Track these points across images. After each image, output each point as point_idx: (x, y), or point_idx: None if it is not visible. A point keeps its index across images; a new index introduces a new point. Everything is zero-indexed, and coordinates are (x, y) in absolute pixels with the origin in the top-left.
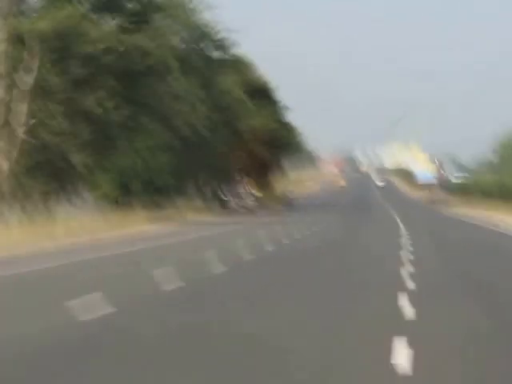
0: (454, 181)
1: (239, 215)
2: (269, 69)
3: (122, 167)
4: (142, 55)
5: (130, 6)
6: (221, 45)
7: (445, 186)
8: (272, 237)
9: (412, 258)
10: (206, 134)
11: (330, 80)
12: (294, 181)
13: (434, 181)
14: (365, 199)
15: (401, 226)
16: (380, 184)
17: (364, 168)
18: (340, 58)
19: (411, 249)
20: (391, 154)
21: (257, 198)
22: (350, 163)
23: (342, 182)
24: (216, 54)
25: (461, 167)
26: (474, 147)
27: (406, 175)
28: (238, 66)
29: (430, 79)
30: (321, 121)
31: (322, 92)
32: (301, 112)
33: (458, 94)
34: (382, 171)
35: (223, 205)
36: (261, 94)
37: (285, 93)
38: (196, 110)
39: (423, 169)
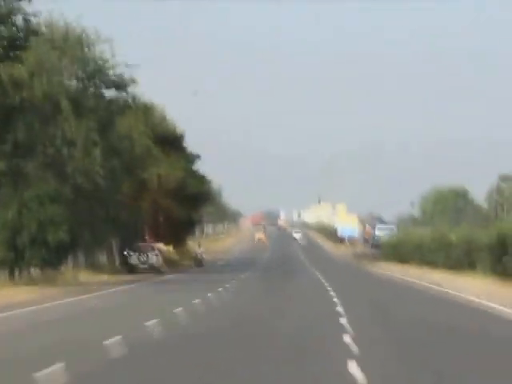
0: (377, 233)
1: (141, 275)
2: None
3: (4, 220)
4: (17, 87)
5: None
6: (119, 82)
7: (371, 242)
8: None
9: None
10: (102, 181)
11: (254, 140)
12: (212, 237)
13: (357, 235)
14: (285, 257)
15: (329, 290)
16: (297, 236)
17: (284, 224)
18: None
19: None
20: (316, 214)
21: (166, 256)
22: (271, 220)
23: (262, 237)
24: (113, 94)
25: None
26: (396, 207)
27: (328, 231)
28: (140, 107)
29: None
30: (248, 182)
31: (248, 150)
32: (225, 171)
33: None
34: (302, 226)
35: (126, 263)
36: (166, 140)
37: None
38: (90, 155)
39: (347, 225)
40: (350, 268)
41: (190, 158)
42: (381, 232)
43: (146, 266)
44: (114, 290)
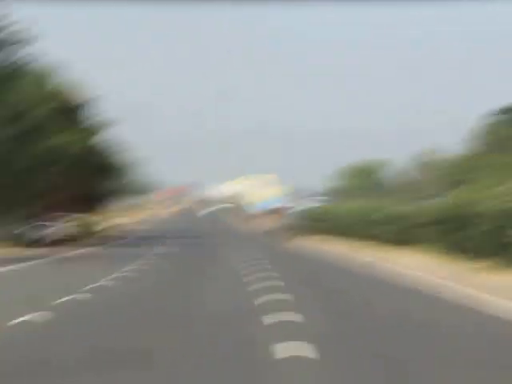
0: (304, 208)
1: (29, 250)
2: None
3: None
4: None
5: None
6: (16, 40)
7: (295, 215)
8: None
9: None
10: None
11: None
12: (124, 211)
13: (279, 206)
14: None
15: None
16: (202, 213)
17: (190, 201)
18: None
19: None
20: (239, 187)
21: (66, 230)
22: (193, 192)
23: (163, 213)
24: (8, 55)
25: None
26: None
27: (239, 205)
28: (41, 72)
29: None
30: (173, 155)
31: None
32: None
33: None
34: (209, 203)
35: (25, 237)
36: (71, 108)
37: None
38: None
39: (265, 198)
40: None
41: (102, 126)
42: (303, 206)
43: (47, 240)
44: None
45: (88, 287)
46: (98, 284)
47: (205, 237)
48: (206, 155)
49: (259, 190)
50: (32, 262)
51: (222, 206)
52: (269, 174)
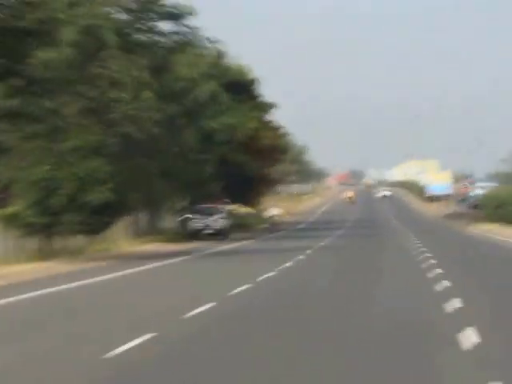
0: (477, 191)
1: (201, 241)
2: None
3: (36, 177)
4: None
5: None
6: (176, 13)
7: (468, 201)
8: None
9: None
10: (155, 130)
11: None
12: (296, 198)
13: (450, 192)
14: (374, 220)
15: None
16: (385, 194)
17: (370, 182)
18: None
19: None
20: (404, 172)
21: (235, 218)
22: (357, 180)
23: (350, 194)
24: (169, 28)
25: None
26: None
27: (417, 189)
28: (203, 45)
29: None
30: (335, 141)
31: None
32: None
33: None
34: (389, 185)
35: (185, 227)
36: (237, 85)
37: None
38: (141, 100)
39: (438, 182)
40: (446, 230)
41: (265, 107)
42: (479, 190)
43: (210, 230)
44: (153, 265)
45: (243, 287)
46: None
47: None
48: (366, 142)
49: (429, 175)
50: (187, 257)
51: (390, 190)
52: (431, 160)
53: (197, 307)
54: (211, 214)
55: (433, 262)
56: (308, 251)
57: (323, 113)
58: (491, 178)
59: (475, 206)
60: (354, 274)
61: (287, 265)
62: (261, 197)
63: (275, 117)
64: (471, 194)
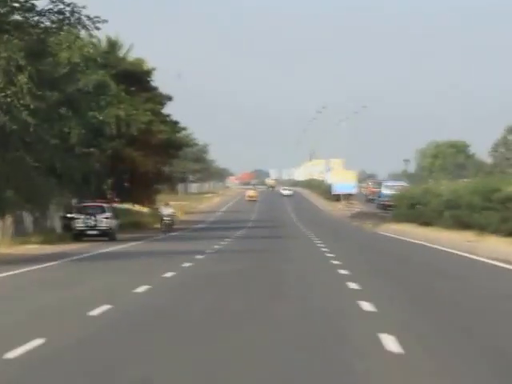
0: (384, 191)
1: (85, 243)
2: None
3: None
4: None
5: None
6: None
7: (377, 201)
8: None
9: None
10: (32, 120)
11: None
12: (197, 197)
13: (354, 191)
14: (275, 219)
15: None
16: (286, 193)
17: (272, 182)
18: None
19: None
20: (308, 171)
21: (126, 218)
22: (260, 180)
23: (252, 193)
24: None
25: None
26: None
27: (322, 188)
28: (89, 28)
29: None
30: (242, 143)
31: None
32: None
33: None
34: (293, 185)
35: (69, 228)
36: (129, 75)
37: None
38: (14, 84)
39: (343, 182)
40: (354, 232)
41: (161, 100)
42: (388, 190)
43: (94, 231)
44: (13, 272)
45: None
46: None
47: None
48: (267, 143)
49: (334, 174)
50: (59, 262)
51: (291, 189)
52: (335, 159)
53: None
54: (96, 214)
55: (343, 272)
56: (198, 256)
57: (229, 114)
58: (395, 177)
59: (384, 206)
60: (246, 295)
61: (167, 275)
62: (155, 195)
63: (174, 114)
64: (382, 192)
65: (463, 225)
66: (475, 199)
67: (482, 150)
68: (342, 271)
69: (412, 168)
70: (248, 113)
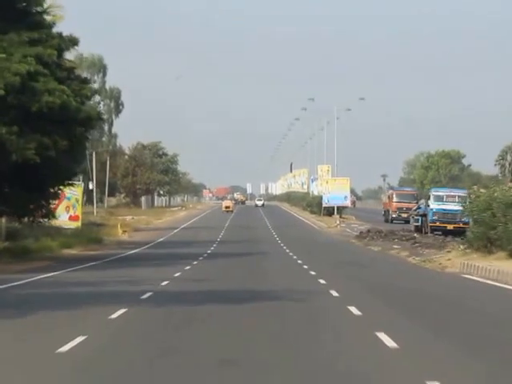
0: (437, 207)
1: None
2: None
3: None
4: None
5: None
6: None
7: (416, 216)
8: None
9: None
10: None
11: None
12: (160, 210)
13: (348, 203)
14: (253, 244)
15: None
16: (259, 203)
17: (240, 196)
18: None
19: None
20: (288, 183)
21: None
22: (235, 192)
23: (228, 203)
24: None
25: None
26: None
27: (304, 198)
28: None
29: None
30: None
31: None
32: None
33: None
34: (268, 198)
35: None
36: None
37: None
38: None
39: (336, 190)
40: (402, 271)
41: (59, 44)
42: (443, 203)
43: None
44: None
45: None
46: None
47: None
48: (244, 158)
49: (323, 182)
50: None
51: (262, 200)
52: (323, 165)
53: None
54: None
55: None
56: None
57: (204, 128)
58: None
59: (434, 229)
60: None
61: None
62: (51, 202)
63: None
64: (432, 208)
65: None
66: None
67: (477, 160)
68: None
69: (394, 182)
70: (225, 128)
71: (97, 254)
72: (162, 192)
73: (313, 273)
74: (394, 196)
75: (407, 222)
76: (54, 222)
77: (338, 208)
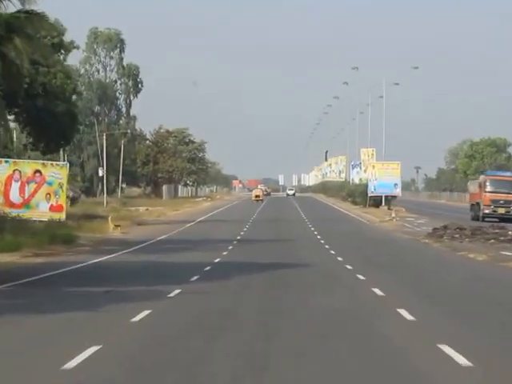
0: None
1: None
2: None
3: None
4: None
5: None
6: None
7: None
8: None
9: None
10: None
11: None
12: (183, 200)
13: (398, 192)
14: (286, 236)
15: None
16: (290, 192)
17: (258, 191)
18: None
19: None
20: (322, 172)
21: None
22: (267, 185)
23: (257, 192)
24: None
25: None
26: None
27: (342, 187)
28: None
29: None
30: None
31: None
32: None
33: None
34: (301, 189)
35: None
36: None
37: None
38: None
39: (385, 177)
40: None
41: None
42: None
43: None
44: None
45: None
46: None
47: None
48: (275, 150)
49: (369, 168)
50: None
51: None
52: (366, 148)
53: None
54: None
55: None
56: None
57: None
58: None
59: None
60: None
61: None
62: None
63: None
64: None
65: None
66: None
67: None
68: None
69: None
70: (254, 119)
71: (29, 267)
72: (188, 182)
73: (410, 317)
74: (488, 184)
75: (505, 220)
76: (32, 213)
77: (386, 198)
